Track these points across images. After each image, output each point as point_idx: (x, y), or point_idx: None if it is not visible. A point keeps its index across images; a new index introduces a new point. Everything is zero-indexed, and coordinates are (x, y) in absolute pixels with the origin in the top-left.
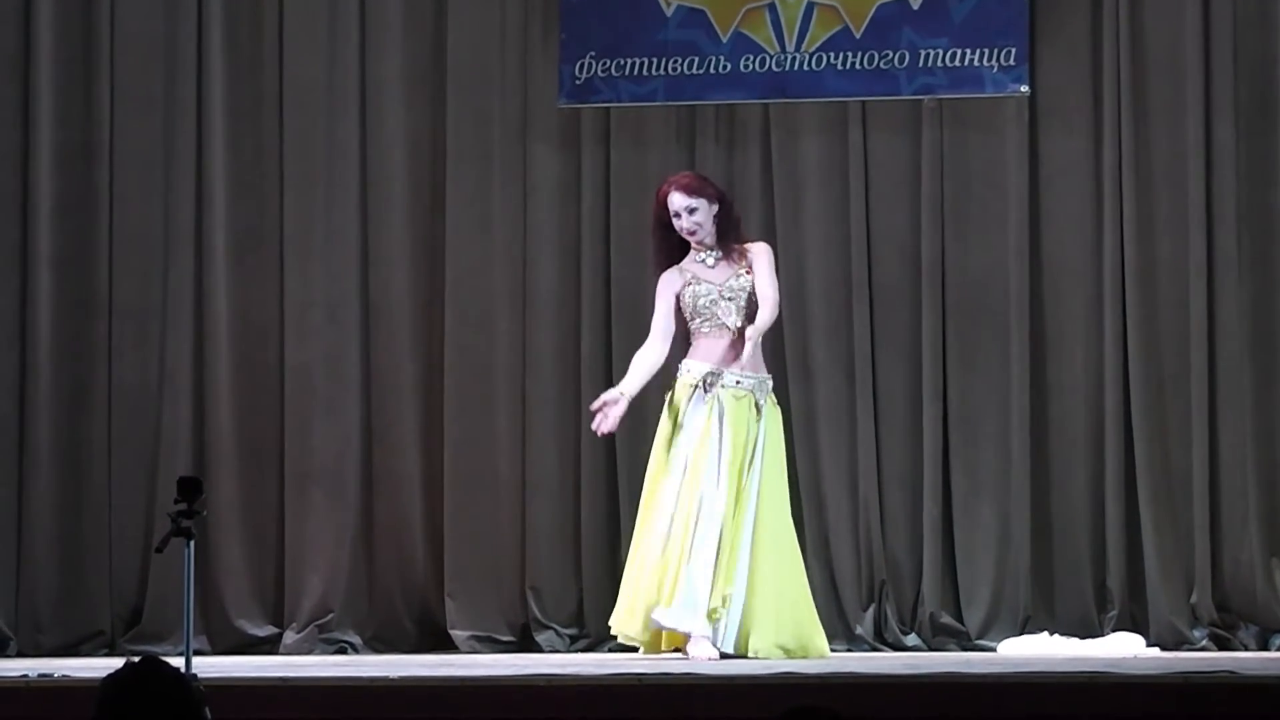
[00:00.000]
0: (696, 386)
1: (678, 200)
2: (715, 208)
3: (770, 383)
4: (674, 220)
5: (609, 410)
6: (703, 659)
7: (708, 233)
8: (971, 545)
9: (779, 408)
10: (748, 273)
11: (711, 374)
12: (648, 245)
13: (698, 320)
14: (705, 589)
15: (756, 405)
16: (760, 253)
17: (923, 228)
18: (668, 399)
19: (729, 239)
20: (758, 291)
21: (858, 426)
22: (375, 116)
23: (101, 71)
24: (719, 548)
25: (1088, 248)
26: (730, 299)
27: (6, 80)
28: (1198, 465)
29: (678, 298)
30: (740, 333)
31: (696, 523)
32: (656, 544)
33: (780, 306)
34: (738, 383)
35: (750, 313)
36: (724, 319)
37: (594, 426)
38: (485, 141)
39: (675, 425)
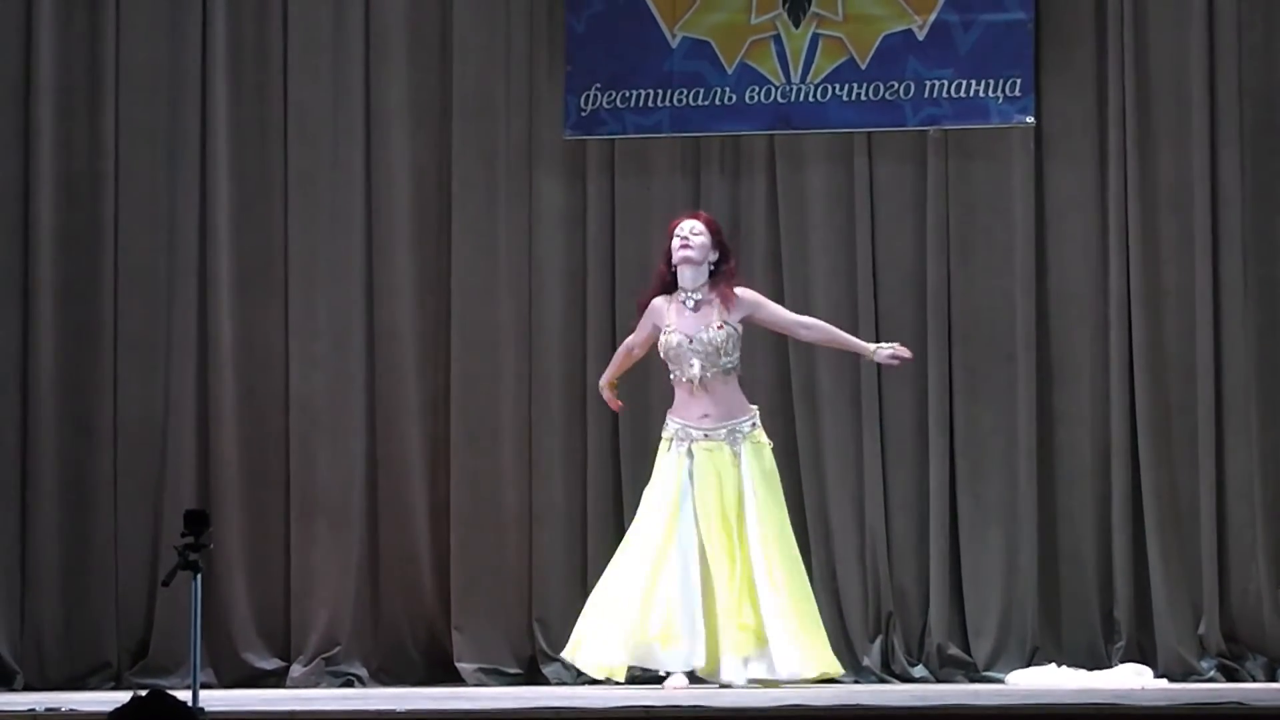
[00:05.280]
0: (671, 440)
1: (686, 223)
2: (715, 254)
3: (750, 421)
4: (675, 239)
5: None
6: (678, 689)
7: (700, 258)
8: (979, 576)
9: (766, 442)
10: (719, 327)
11: (682, 429)
12: (653, 275)
13: (670, 367)
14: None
15: (734, 451)
16: (753, 299)
17: (928, 257)
18: (660, 445)
19: (718, 288)
20: (780, 320)
21: (864, 456)
22: (380, 146)
23: (106, 101)
24: (702, 591)
25: (1093, 276)
26: (696, 351)
27: (9, 109)
28: (1205, 495)
29: (658, 332)
30: (701, 384)
31: (681, 574)
32: (632, 589)
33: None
34: (706, 436)
35: (713, 364)
36: (686, 370)
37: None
38: (490, 171)
39: (654, 475)
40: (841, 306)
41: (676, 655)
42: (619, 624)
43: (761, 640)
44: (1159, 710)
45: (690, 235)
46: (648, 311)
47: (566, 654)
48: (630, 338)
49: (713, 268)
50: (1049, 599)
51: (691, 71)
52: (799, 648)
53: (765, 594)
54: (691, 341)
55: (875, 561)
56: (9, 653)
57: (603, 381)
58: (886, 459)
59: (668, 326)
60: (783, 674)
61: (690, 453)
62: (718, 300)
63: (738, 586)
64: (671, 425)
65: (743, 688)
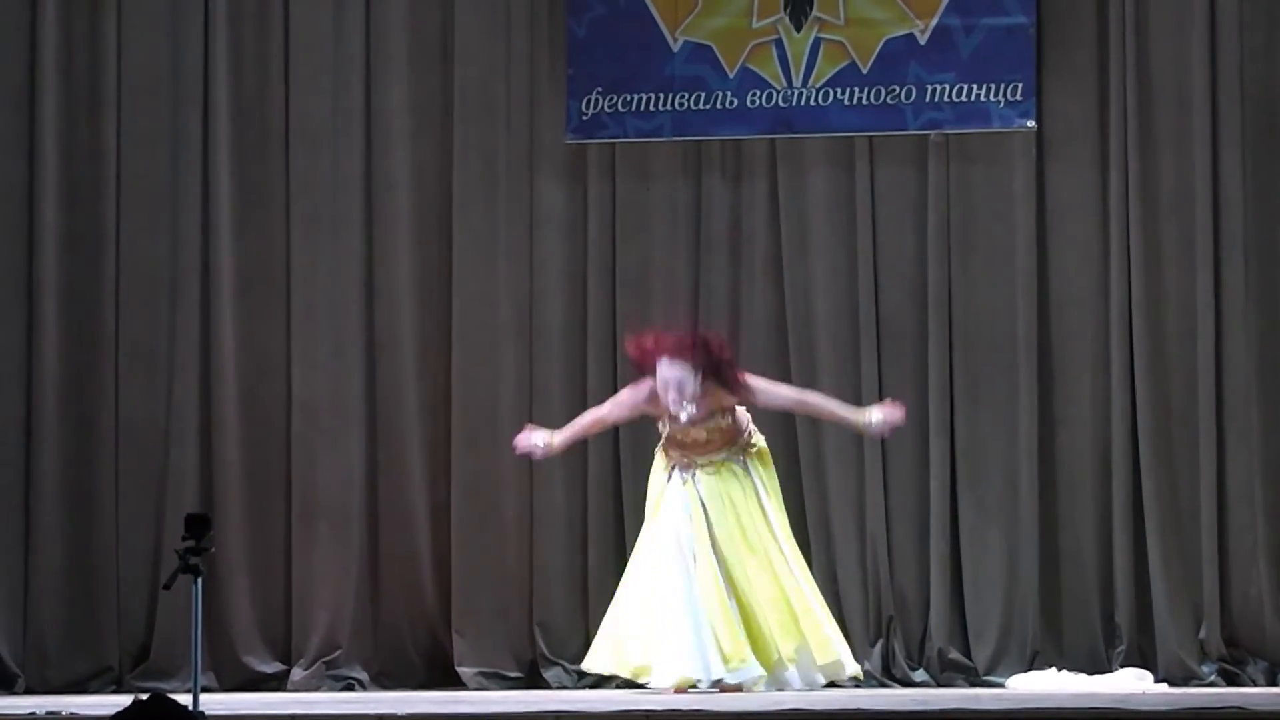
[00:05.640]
0: (674, 469)
1: (665, 371)
2: (698, 376)
3: (747, 431)
4: (658, 385)
5: (531, 445)
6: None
7: (692, 397)
8: (979, 580)
9: (763, 444)
10: (722, 415)
11: (685, 461)
12: (653, 280)
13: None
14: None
15: (740, 465)
16: (751, 388)
17: (929, 261)
18: (655, 460)
19: (714, 384)
20: (778, 402)
21: (864, 460)
22: (381, 150)
23: (108, 105)
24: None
25: (1095, 280)
26: (707, 435)
27: (12, 113)
28: (1205, 499)
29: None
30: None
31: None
32: (699, 610)
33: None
34: (710, 461)
35: (718, 436)
36: (696, 443)
37: (517, 442)
38: (491, 175)
39: (659, 497)
40: (842, 311)
41: (741, 672)
42: (698, 641)
43: (828, 638)
44: (1160, 714)
45: (674, 389)
46: (632, 396)
47: (621, 670)
48: (606, 411)
49: (705, 385)
50: (1050, 603)
51: (693, 75)
52: (845, 645)
53: (813, 598)
54: (703, 429)
55: (876, 565)
56: (10, 656)
57: (553, 439)
58: (887, 462)
59: (675, 421)
60: (849, 672)
61: (695, 479)
62: (718, 395)
63: (799, 593)
64: (673, 454)
65: (822, 689)
